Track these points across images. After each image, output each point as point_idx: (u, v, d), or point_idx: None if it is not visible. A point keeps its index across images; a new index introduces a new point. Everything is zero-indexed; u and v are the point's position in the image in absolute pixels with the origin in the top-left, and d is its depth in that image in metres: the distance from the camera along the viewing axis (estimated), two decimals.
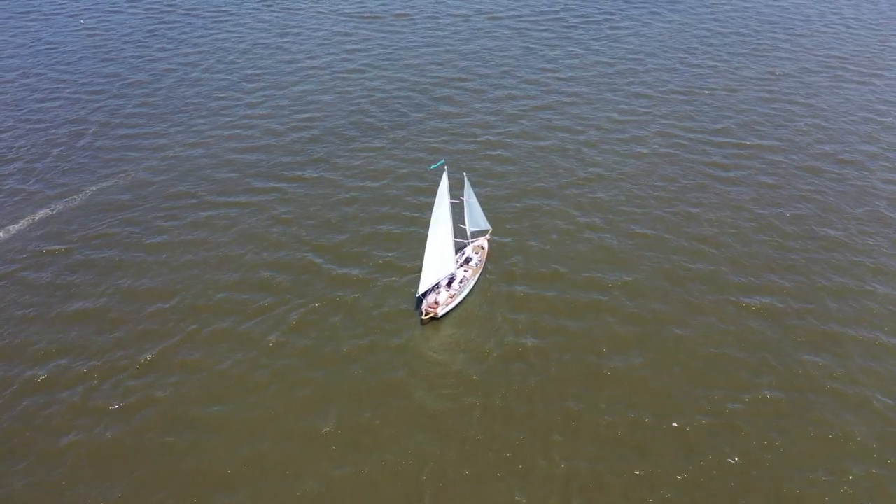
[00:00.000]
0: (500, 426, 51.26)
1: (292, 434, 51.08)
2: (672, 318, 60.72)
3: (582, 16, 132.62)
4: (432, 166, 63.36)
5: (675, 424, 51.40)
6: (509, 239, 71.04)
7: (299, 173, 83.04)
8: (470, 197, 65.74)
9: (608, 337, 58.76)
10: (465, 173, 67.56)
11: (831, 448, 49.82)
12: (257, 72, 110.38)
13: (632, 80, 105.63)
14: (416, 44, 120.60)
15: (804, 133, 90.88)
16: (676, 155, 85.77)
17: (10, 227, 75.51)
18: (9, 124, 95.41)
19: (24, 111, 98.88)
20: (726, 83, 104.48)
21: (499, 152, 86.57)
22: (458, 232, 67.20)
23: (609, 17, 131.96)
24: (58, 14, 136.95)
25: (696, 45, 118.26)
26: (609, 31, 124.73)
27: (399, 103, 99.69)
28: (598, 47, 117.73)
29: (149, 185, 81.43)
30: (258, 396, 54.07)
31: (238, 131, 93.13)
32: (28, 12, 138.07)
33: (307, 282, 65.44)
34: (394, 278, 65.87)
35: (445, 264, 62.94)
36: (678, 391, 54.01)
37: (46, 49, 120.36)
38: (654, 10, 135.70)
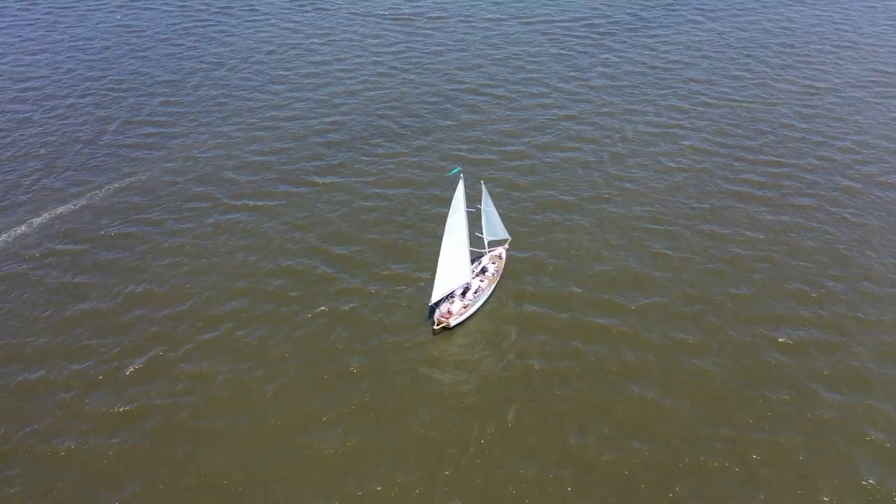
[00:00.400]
0: (502, 453, 49.30)
1: (292, 447, 49.89)
2: (691, 346, 57.95)
3: (617, 22, 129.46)
4: (449, 174, 62.06)
5: (688, 460, 48.84)
6: (527, 254, 68.95)
7: (319, 178, 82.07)
8: (488, 206, 64.10)
9: (622, 364, 56.28)
10: (482, 182, 65.98)
11: (853, 494, 46.72)
12: (285, 73, 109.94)
13: (666, 90, 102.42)
14: (446, 47, 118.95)
15: (845, 152, 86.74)
16: (708, 171, 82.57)
17: (33, 221, 75.93)
18: (37, 118, 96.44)
19: (54, 106, 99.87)
20: (765, 96, 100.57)
21: (522, 163, 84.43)
22: (476, 241, 65.89)
23: (646, 23, 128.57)
24: (97, 10, 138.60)
25: (734, 55, 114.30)
26: (645, 39, 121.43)
27: (425, 109, 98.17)
28: (632, 55, 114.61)
29: (169, 186, 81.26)
30: (262, 408, 52.96)
31: (261, 133, 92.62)
32: (67, 7, 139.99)
33: (319, 292, 64.22)
34: (406, 288, 64.36)
35: (460, 273, 61.40)
36: (694, 425, 51.35)
37: (81, 45, 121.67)
38: (693, 17, 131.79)
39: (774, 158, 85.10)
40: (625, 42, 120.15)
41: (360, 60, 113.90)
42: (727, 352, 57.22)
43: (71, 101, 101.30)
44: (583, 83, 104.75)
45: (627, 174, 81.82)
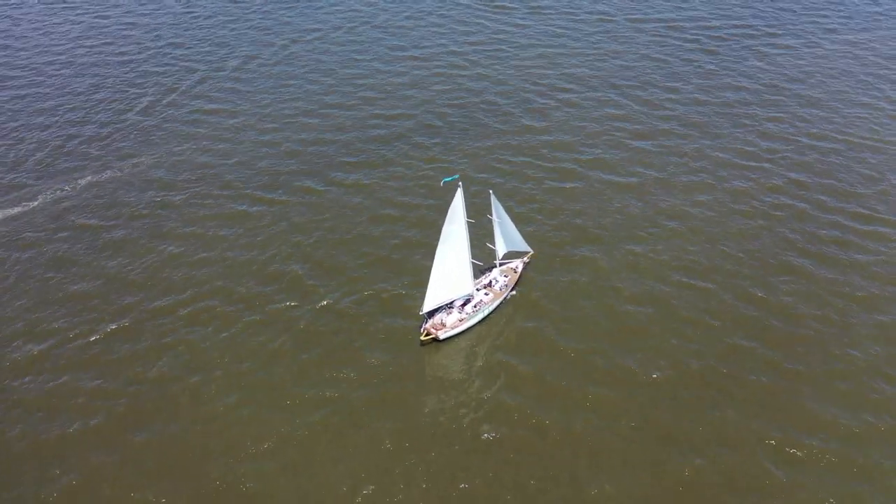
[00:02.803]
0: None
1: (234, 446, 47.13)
2: (679, 442, 48.56)
3: (739, 26, 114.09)
4: (445, 180, 57.19)
5: None
6: (538, 294, 61.35)
7: (349, 178, 78.10)
8: (500, 216, 59.02)
9: (590, 451, 48.08)
10: (490, 190, 60.42)
11: None
12: (358, 57, 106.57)
13: (766, 115, 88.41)
14: (535, 42, 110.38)
15: None
16: (785, 222, 69.70)
17: (65, 188, 78.22)
18: (108, 83, 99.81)
19: (127, 71, 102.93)
20: (885, 136, 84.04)
21: (567, 184, 75.78)
22: (489, 253, 61.58)
23: (771, 32, 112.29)
24: None
25: (862, 79, 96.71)
26: (764, 49, 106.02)
27: (485, 109, 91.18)
28: (739, 68, 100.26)
29: (203, 168, 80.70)
30: (221, 418, 50.69)
31: (312, 121, 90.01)
32: None
33: (297, 302, 60.70)
34: (399, 306, 60.04)
35: (458, 285, 56.87)
36: None
37: (178, 11, 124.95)
38: (832, 26, 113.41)
39: (872, 213, 70.42)
40: (738, 52, 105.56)
41: (438, 50, 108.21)
42: (721, 464, 47.32)
43: (141, 69, 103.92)
44: (671, 97, 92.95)
45: (683, 212, 70.96)
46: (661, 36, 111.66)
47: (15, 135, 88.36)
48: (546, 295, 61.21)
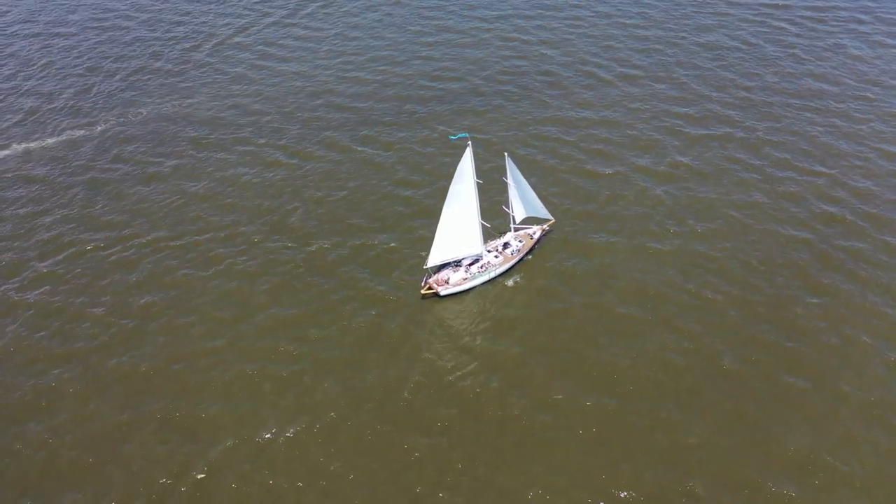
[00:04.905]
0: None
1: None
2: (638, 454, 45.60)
3: (848, 9, 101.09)
4: (453, 136, 56.37)
5: None
6: (539, 280, 58.38)
7: (383, 139, 78.02)
8: (516, 180, 58.36)
9: (543, 444, 46.21)
10: (506, 153, 58.84)
11: None
12: (430, 13, 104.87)
13: (843, 123, 77.63)
14: (613, 10, 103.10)
15: None
16: (829, 241, 61.44)
17: (127, 116, 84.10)
18: (185, 21, 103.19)
19: (203, 13, 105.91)
20: None
21: (602, 170, 71.33)
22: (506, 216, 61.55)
23: (883, 29, 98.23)
24: None
25: None
26: (862, 42, 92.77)
27: (539, 81, 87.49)
28: (830, 61, 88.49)
29: (251, 115, 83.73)
30: (191, 356, 52.93)
31: (343, 87, 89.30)
32: None
33: (304, 255, 62.60)
34: (398, 267, 60.34)
35: (465, 244, 57.26)
36: None
37: None
38: None
39: None
40: (836, 40, 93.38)
41: (509, 12, 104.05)
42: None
43: (214, 11, 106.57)
44: (742, 90, 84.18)
45: (713, 213, 64.96)
46: (762, 14, 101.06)
47: (85, 66, 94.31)
48: (547, 282, 58.79)
